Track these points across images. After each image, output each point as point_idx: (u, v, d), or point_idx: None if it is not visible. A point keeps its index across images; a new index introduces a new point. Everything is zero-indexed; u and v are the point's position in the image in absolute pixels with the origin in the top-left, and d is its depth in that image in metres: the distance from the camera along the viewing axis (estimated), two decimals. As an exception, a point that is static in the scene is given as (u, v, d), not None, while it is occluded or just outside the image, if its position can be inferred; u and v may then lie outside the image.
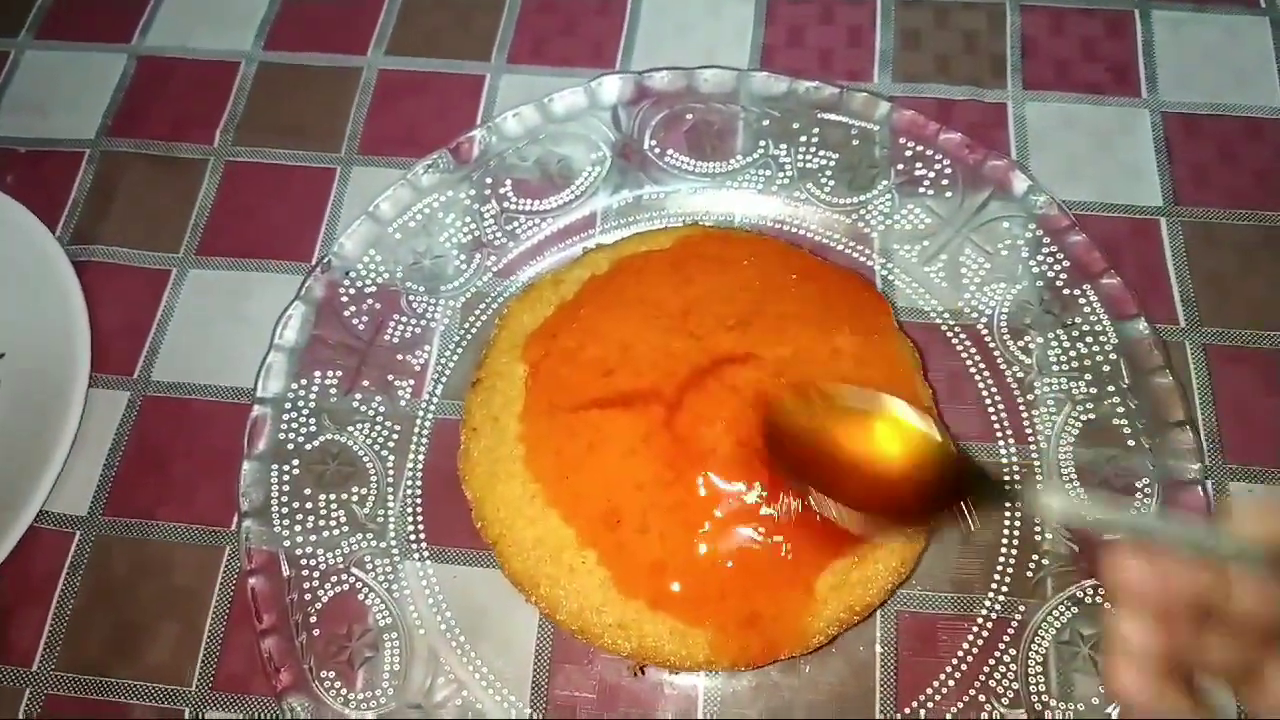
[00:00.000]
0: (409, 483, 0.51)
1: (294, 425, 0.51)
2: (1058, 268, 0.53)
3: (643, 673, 0.47)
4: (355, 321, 0.54)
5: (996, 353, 0.52)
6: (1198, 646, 0.31)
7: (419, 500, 0.51)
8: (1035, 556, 0.48)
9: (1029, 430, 0.51)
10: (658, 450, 0.45)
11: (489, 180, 0.57)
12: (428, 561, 0.50)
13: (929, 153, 0.56)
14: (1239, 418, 0.52)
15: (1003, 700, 0.45)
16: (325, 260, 0.54)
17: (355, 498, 0.50)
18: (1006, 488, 0.47)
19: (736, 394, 0.46)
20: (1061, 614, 0.46)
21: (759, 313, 0.49)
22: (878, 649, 0.47)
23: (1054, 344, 0.52)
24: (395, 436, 0.52)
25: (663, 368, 0.47)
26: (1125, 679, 0.31)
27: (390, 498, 0.51)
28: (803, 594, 0.44)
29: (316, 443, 0.51)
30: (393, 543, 0.50)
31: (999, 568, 0.48)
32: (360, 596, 0.48)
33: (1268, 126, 0.60)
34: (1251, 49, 0.62)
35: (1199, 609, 0.31)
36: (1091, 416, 0.50)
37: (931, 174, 0.56)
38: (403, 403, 0.53)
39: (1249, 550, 0.29)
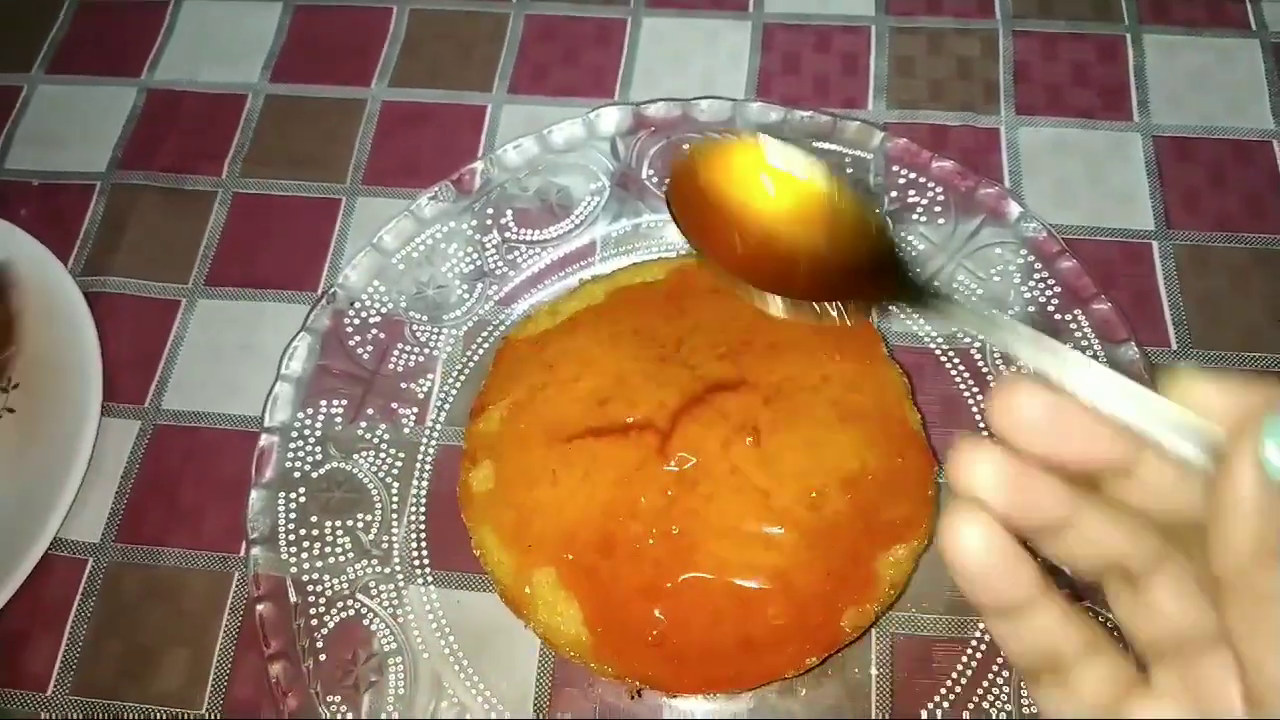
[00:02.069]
0: (413, 509, 0.52)
1: (300, 453, 0.53)
2: (1049, 293, 0.54)
3: (640, 695, 0.47)
4: (360, 351, 0.55)
5: (990, 377, 0.53)
6: (1070, 523, 0.25)
7: (423, 526, 0.52)
8: (1028, 579, 0.48)
9: (1022, 453, 0.51)
10: (651, 477, 0.46)
11: (490, 211, 0.59)
12: (431, 586, 0.51)
13: (922, 180, 0.57)
14: (1230, 439, 0.52)
15: (996, 722, 0.46)
16: (330, 291, 0.56)
17: (360, 524, 0.52)
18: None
19: (727, 420, 0.47)
20: (1054, 636, 0.47)
21: (750, 341, 0.49)
22: (873, 671, 0.48)
23: (1046, 369, 0.52)
24: (400, 464, 0.53)
25: (656, 397, 0.48)
26: (968, 532, 0.24)
27: (395, 524, 0.52)
28: (795, 615, 0.45)
29: (322, 470, 0.52)
30: (397, 568, 0.51)
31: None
32: (365, 622, 0.49)
33: (1258, 149, 0.60)
34: (1242, 71, 0.63)
35: (1089, 476, 0.25)
36: (1083, 440, 0.51)
37: (925, 201, 0.57)
38: (406, 430, 0.54)
39: (1186, 427, 0.22)
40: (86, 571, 0.53)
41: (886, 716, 0.47)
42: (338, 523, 0.51)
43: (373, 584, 0.50)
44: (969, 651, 0.48)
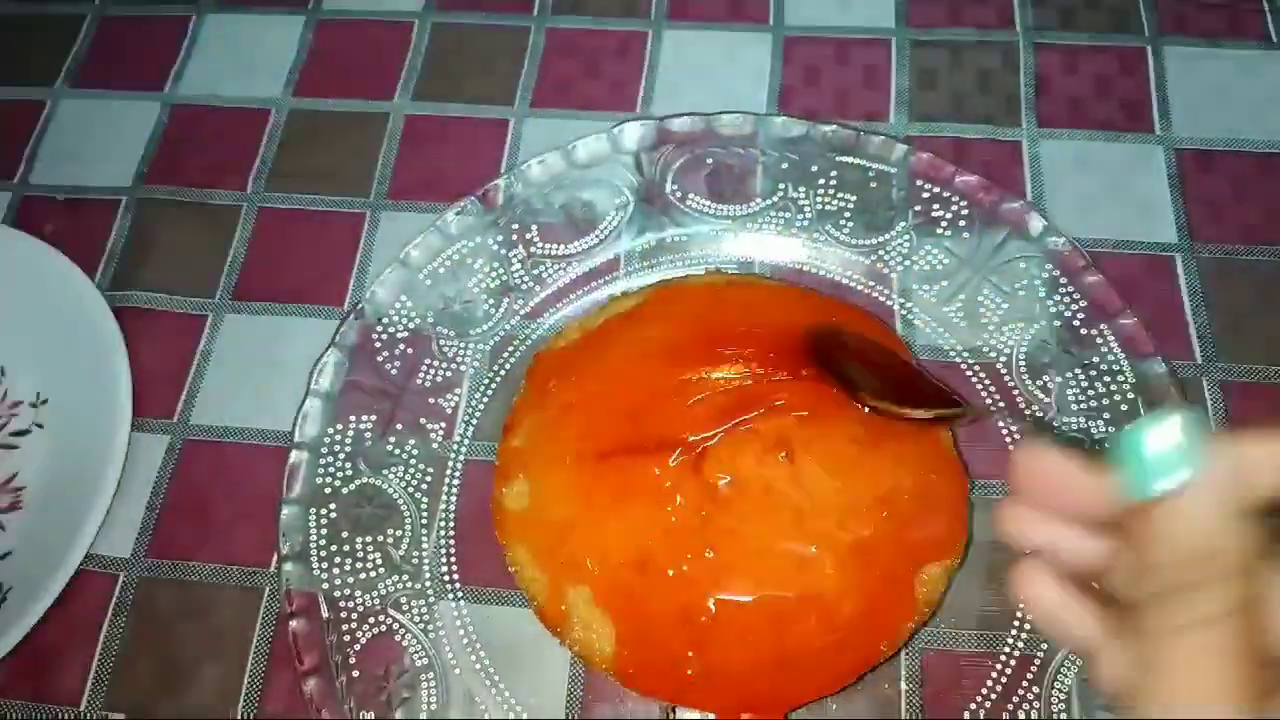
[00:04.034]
0: (442, 524, 0.53)
1: (331, 469, 0.53)
2: (1075, 307, 0.54)
3: (674, 713, 0.48)
4: (388, 366, 0.55)
5: (1016, 392, 0.53)
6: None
7: (452, 541, 0.52)
8: (1056, 594, 0.49)
9: (1049, 468, 0.51)
10: (686, 496, 0.46)
11: (515, 226, 0.59)
12: (462, 601, 0.51)
13: (946, 194, 0.57)
14: (1256, 453, 0.52)
15: (1027, 737, 0.46)
16: (359, 307, 0.56)
17: (391, 539, 0.52)
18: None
19: (760, 438, 0.47)
20: (1083, 651, 0.47)
21: (781, 358, 0.50)
22: (903, 686, 0.48)
23: (1072, 383, 0.53)
24: (429, 479, 0.53)
25: (688, 415, 0.48)
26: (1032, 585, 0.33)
27: (424, 539, 0.52)
28: (832, 635, 0.45)
29: (353, 486, 0.53)
30: (428, 583, 0.51)
31: (1021, 605, 0.49)
32: (397, 637, 0.50)
33: (1280, 161, 0.60)
34: (1264, 83, 0.63)
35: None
36: (1110, 454, 0.51)
37: (949, 215, 0.57)
38: (435, 445, 0.54)
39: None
40: (118, 586, 0.53)
41: (917, 731, 0.47)
42: (368, 538, 0.52)
43: (404, 599, 0.51)
44: (999, 666, 0.48)
